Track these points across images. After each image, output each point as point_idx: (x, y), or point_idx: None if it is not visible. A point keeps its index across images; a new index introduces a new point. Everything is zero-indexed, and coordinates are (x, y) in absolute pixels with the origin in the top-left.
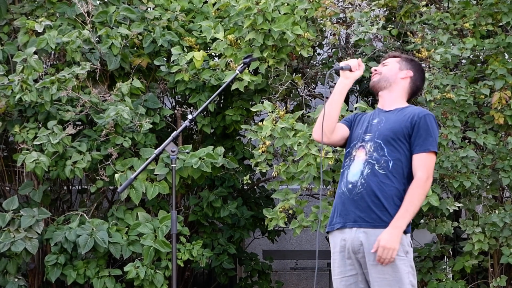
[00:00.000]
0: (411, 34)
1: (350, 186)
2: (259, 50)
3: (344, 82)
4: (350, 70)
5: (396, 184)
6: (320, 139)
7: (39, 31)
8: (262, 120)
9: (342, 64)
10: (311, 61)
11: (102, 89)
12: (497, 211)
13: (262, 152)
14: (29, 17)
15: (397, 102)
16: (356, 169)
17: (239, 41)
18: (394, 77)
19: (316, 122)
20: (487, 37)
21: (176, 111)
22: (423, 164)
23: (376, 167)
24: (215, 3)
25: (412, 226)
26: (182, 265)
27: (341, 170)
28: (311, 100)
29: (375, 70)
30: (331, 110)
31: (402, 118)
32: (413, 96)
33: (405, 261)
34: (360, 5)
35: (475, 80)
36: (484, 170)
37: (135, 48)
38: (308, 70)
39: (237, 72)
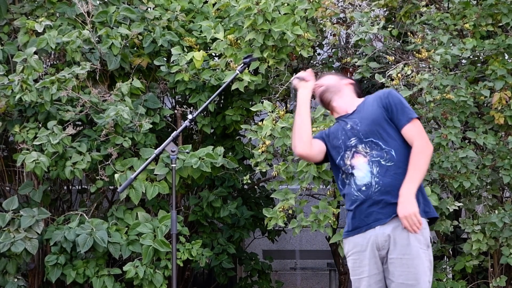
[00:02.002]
0: (411, 34)
1: (364, 188)
2: (259, 50)
3: (305, 92)
4: (304, 80)
5: (405, 169)
6: (304, 151)
7: (39, 31)
8: (262, 120)
9: (295, 79)
10: (311, 61)
11: (102, 89)
12: (496, 211)
13: (262, 152)
14: (29, 17)
15: (352, 102)
16: (362, 172)
17: (239, 41)
18: (338, 84)
19: (292, 138)
20: (487, 37)
21: (176, 111)
22: (415, 132)
23: (383, 162)
24: (215, 3)
25: None
26: (181, 265)
27: (338, 184)
28: (311, 100)
29: (316, 84)
30: (303, 120)
31: (371, 109)
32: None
33: (426, 255)
34: (360, 5)
35: (475, 81)
36: (484, 170)
37: (135, 48)
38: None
39: (237, 72)
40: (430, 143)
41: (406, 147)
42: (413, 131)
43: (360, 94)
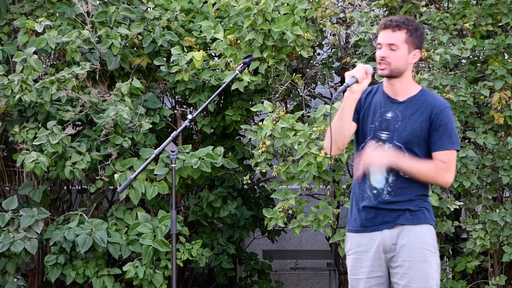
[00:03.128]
0: None
1: (375, 192)
2: (259, 50)
3: (352, 97)
4: (357, 82)
5: (422, 183)
6: (336, 153)
7: (39, 31)
8: (262, 120)
9: (348, 80)
10: (311, 61)
11: (102, 89)
12: (497, 210)
13: (262, 152)
14: (29, 17)
15: (408, 88)
16: (379, 175)
17: (239, 41)
18: (405, 65)
19: (326, 139)
20: (487, 37)
21: (176, 111)
22: (446, 160)
23: (401, 173)
24: (215, 3)
25: None
26: (181, 265)
27: (355, 151)
28: (311, 100)
29: (383, 58)
30: (344, 126)
31: (418, 118)
32: None
33: (434, 258)
34: (360, 5)
35: (475, 80)
36: (483, 170)
37: (135, 48)
38: (308, 70)
39: (237, 72)
40: (451, 179)
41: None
42: (444, 159)
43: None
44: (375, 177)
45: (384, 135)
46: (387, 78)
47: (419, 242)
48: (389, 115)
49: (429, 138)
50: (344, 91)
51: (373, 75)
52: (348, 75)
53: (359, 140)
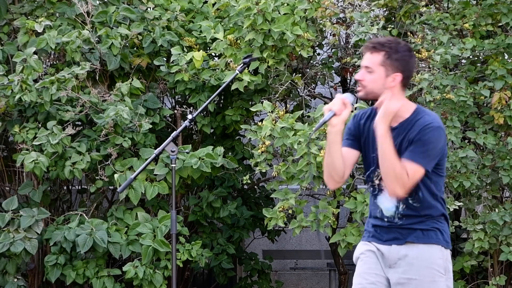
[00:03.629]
0: (411, 34)
1: (385, 219)
2: (259, 50)
3: (334, 131)
4: (335, 115)
5: (432, 207)
6: (336, 186)
7: (39, 31)
8: (262, 120)
9: (326, 115)
10: (311, 61)
11: (102, 89)
12: (497, 210)
13: (262, 152)
14: (29, 17)
15: (401, 111)
16: (388, 203)
17: (239, 41)
18: (381, 89)
19: (324, 175)
20: (487, 37)
21: (176, 111)
22: (409, 173)
23: (410, 201)
24: (215, 3)
25: None
26: (181, 265)
27: (370, 193)
28: (310, 100)
29: (359, 81)
30: (333, 162)
31: (408, 145)
32: (409, 82)
33: (443, 280)
34: (360, 5)
35: (475, 81)
36: (483, 170)
37: (135, 48)
38: (308, 70)
39: (237, 72)
40: (400, 193)
41: (432, 183)
42: (408, 169)
43: (408, 80)
44: (384, 205)
45: None
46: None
47: (428, 261)
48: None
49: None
50: (336, 72)
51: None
52: (325, 109)
53: (365, 168)
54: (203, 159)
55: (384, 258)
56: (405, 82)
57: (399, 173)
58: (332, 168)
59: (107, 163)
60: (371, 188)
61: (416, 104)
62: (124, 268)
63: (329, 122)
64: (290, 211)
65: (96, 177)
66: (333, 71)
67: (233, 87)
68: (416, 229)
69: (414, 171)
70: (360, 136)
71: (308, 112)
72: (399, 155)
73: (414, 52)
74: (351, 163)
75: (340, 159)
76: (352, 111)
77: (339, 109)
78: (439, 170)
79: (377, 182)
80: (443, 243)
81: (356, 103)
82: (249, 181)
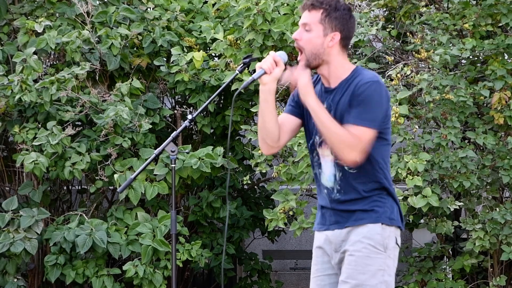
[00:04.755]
0: (410, 35)
1: (325, 191)
2: (258, 51)
3: (265, 89)
4: (266, 73)
5: (371, 177)
6: (270, 152)
7: (39, 31)
8: None
9: (256, 73)
10: None
11: (102, 89)
12: (498, 209)
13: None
14: (29, 17)
15: (339, 72)
16: (327, 171)
17: (238, 42)
18: (320, 50)
19: (258, 139)
20: (487, 37)
21: (176, 111)
22: (357, 136)
23: (346, 168)
24: (215, 3)
25: (412, 226)
26: (181, 265)
27: (312, 166)
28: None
29: (296, 40)
30: (264, 122)
31: (345, 101)
32: (349, 43)
33: (381, 257)
34: (359, 6)
35: (474, 81)
36: (483, 170)
37: (135, 48)
38: None
39: (237, 72)
40: (357, 158)
41: (374, 153)
42: (355, 133)
43: (349, 40)
44: (325, 175)
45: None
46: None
47: (362, 236)
48: (324, 106)
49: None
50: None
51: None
52: (257, 66)
53: (307, 136)
54: (203, 159)
55: (331, 243)
56: (344, 42)
57: (346, 139)
58: (265, 130)
59: (107, 163)
60: (316, 157)
61: (356, 65)
62: (124, 267)
63: (260, 80)
64: (290, 213)
65: (96, 177)
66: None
67: (233, 87)
68: (356, 211)
69: (361, 134)
70: (302, 106)
71: None
72: (341, 116)
73: (414, 53)
74: (289, 130)
75: (273, 121)
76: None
77: (268, 68)
78: (382, 133)
79: (318, 150)
80: (384, 220)
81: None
82: (249, 182)
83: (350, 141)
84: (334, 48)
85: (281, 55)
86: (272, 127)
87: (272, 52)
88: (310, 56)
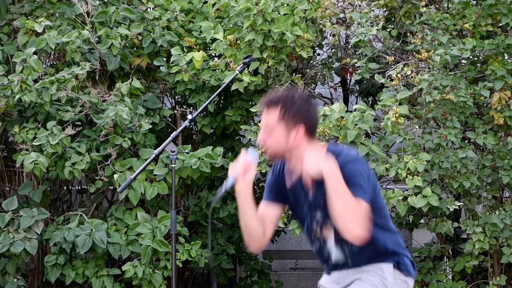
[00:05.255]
0: (410, 35)
1: (334, 263)
2: (258, 51)
3: (241, 195)
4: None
5: (376, 241)
6: (258, 249)
7: (38, 31)
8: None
9: (228, 182)
10: (311, 62)
11: (102, 89)
12: (497, 212)
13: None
14: (28, 17)
15: None
16: (335, 250)
17: (238, 42)
18: (286, 146)
19: (244, 237)
20: (487, 37)
21: (175, 111)
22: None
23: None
24: (215, 3)
25: (412, 226)
26: (181, 265)
27: (313, 246)
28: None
29: (261, 143)
30: (247, 224)
31: None
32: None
33: (386, 284)
34: (359, 6)
35: (475, 81)
36: (483, 170)
37: (135, 48)
38: (307, 70)
39: (237, 72)
40: (360, 232)
41: (376, 218)
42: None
43: (315, 128)
44: (333, 255)
45: (318, 214)
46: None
47: (376, 272)
48: (309, 197)
49: None
50: (336, 72)
51: None
52: (229, 173)
53: (300, 222)
54: (202, 159)
55: (339, 283)
56: (310, 131)
57: (356, 209)
58: (248, 231)
59: (106, 163)
60: (315, 242)
61: (326, 144)
62: (124, 268)
63: (235, 187)
64: (290, 212)
65: (96, 178)
66: (333, 71)
67: (233, 87)
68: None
69: (360, 208)
70: (283, 188)
71: None
72: (326, 206)
73: (414, 53)
74: (272, 220)
75: (254, 222)
76: (351, 111)
77: (240, 174)
78: (375, 202)
79: (318, 231)
80: (397, 265)
81: (356, 103)
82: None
83: (357, 210)
84: (301, 142)
85: (252, 157)
86: (255, 227)
87: (243, 154)
88: (276, 153)
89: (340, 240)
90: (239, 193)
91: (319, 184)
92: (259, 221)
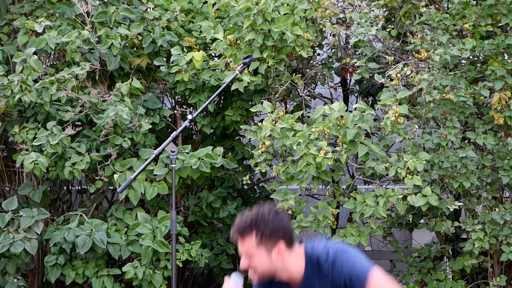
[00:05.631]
0: (410, 35)
1: None
2: (258, 51)
3: None
4: None
5: None
6: None
7: (38, 31)
8: (261, 121)
9: None
10: (311, 61)
11: (102, 89)
12: (497, 209)
13: (262, 152)
14: (28, 18)
15: (293, 275)
16: None
17: (238, 42)
18: (271, 265)
19: None
20: (487, 37)
21: (175, 111)
22: (381, 284)
23: None
24: (215, 3)
25: (412, 226)
26: (181, 265)
27: None
28: (310, 101)
29: (245, 269)
30: None
31: None
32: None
33: None
34: (359, 6)
35: (474, 81)
36: (483, 170)
37: (135, 48)
38: (307, 70)
39: (237, 72)
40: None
41: None
42: (378, 282)
43: (292, 237)
44: None
45: None
46: None
47: None
48: None
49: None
50: (336, 73)
51: None
52: None
53: None
54: (202, 159)
55: None
56: (289, 243)
57: None
58: None
59: (106, 163)
60: None
61: (302, 250)
62: (124, 269)
63: None
64: (289, 212)
65: (96, 178)
66: (333, 71)
67: (233, 87)
68: None
69: (378, 275)
70: None
71: (308, 112)
72: None
73: (414, 53)
74: None
75: None
76: (351, 111)
77: None
78: None
79: None
80: None
81: (356, 103)
82: (249, 182)
83: None
84: (284, 256)
85: (237, 281)
86: None
87: (226, 280)
88: (264, 275)
89: None
90: None
91: None
92: None
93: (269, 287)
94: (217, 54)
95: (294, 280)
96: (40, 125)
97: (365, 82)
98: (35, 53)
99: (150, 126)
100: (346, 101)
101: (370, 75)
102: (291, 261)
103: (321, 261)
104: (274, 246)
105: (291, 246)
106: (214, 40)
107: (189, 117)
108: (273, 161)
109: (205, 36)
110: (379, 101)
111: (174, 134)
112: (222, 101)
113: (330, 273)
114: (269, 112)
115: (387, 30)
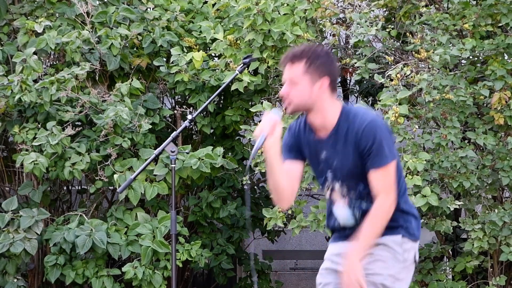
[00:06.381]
0: (410, 35)
1: (347, 228)
2: (258, 51)
3: (271, 153)
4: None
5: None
6: (288, 206)
7: (38, 31)
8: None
9: (258, 140)
10: None
11: (102, 90)
12: (496, 210)
13: (262, 152)
14: (28, 18)
15: (327, 120)
16: (344, 213)
17: (238, 42)
18: (310, 98)
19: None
20: (487, 37)
21: (175, 112)
22: (381, 185)
23: (364, 205)
24: (215, 3)
25: None
26: (181, 265)
27: (327, 200)
28: None
29: (283, 97)
30: (277, 181)
31: (346, 149)
32: (336, 86)
33: (398, 266)
34: (359, 6)
35: (474, 81)
36: (483, 170)
37: (135, 49)
38: None
39: (237, 72)
40: (394, 193)
41: None
42: (379, 181)
43: (335, 82)
44: (341, 216)
45: (329, 175)
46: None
47: (384, 245)
48: (323, 155)
49: (364, 158)
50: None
51: None
52: (256, 133)
53: (316, 175)
54: (202, 159)
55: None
56: (333, 85)
57: (380, 213)
58: (279, 189)
59: (106, 163)
60: (327, 202)
61: (341, 104)
62: (124, 269)
63: (264, 145)
64: (289, 211)
65: (96, 178)
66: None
67: (233, 87)
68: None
69: (390, 171)
70: (301, 146)
71: None
72: (342, 164)
73: (414, 53)
74: (298, 176)
75: (284, 179)
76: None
77: (269, 132)
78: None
79: (328, 191)
80: (404, 233)
81: (356, 103)
82: (249, 182)
83: (385, 203)
84: (324, 94)
85: (277, 115)
86: (285, 184)
87: (267, 113)
88: (300, 106)
89: (353, 204)
90: (269, 149)
91: (333, 145)
92: (287, 179)
93: (298, 135)
94: (217, 54)
95: (325, 127)
96: (40, 125)
97: (365, 82)
98: (35, 53)
99: (150, 126)
100: (346, 101)
101: (370, 75)
102: (328, 103)
103: (356, 121)
104: (318, 79)
105: (333, 91)
106: (214, 40)
107: (189, 117)
108: None
109: (205, 36)
110: (379, 101)
111: (174, 134)
112: (222, 101)
113: (360, 135)
114: None
115: (387, 30)
